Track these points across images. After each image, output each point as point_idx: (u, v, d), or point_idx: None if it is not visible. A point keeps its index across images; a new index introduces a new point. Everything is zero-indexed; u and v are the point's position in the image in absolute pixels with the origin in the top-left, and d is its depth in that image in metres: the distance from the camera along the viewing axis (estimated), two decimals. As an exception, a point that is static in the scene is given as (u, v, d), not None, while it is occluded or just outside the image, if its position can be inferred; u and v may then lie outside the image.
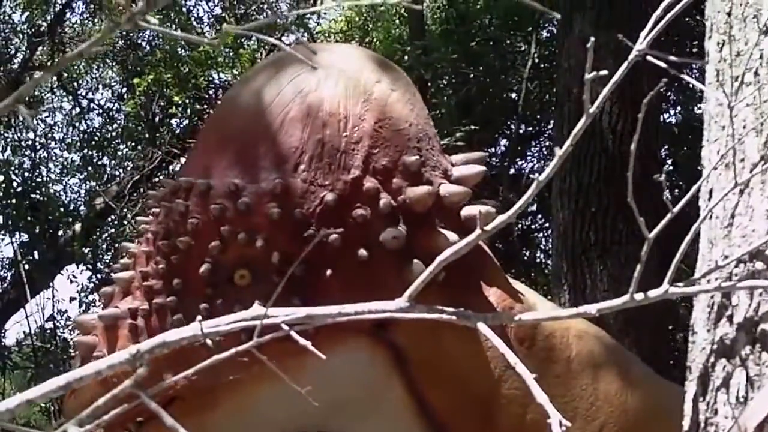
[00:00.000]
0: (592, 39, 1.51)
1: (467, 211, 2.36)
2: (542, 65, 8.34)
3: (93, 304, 8.96)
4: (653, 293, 1.64)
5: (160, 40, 9.13)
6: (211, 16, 10.32)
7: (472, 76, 8.00)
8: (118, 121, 10.03)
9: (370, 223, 2.24)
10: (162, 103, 9.27)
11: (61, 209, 8.81)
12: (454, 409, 2.35)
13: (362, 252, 2.22)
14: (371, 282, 2.14)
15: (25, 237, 8.68)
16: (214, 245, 2.23)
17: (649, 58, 1.59)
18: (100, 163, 9.81)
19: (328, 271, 2.19)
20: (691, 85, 7.86)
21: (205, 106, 9.16)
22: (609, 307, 1.67)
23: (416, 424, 2.36)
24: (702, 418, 1.71)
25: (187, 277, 2.26)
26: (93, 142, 9.63)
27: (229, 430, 2.28)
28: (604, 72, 1.53)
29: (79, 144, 9.78)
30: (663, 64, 1.60)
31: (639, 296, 1.63)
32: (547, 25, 8.32)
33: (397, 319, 2.24)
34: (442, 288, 2.06)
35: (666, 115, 7.65)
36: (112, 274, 2.48)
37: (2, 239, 8.95)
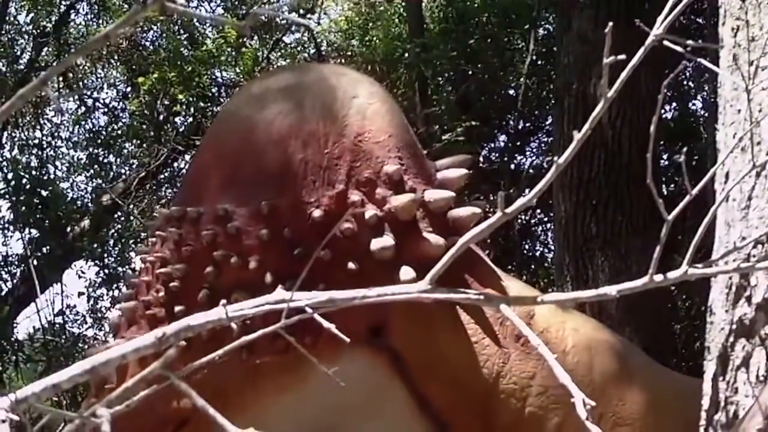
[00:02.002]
0: (610, 24, 1.53)
1: (454, 213, 2.39)
2: (540, 62, 8.34)
3: (100, 299, 9.04)
4: (672, 274, 1.66)
5: (164, 39, 9.13)
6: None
7: (471, 73, 8.02)
8: (123, 120, 10.04)
9: (358, 235, 2.29)
10: (166, 102, 9.27)
11: (69, 206, 8.83)
12: (454, 406, 2.38)
13: (351, 264, 2.27)
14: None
15: (34, 233, 8.71)
16: (210, 271, 2.28)
17: (664, 45, 1.62)
18: (106, 160, 9.83)
19: (320, 285, 2.22)
20: (686, 82, 7.90)
21: (209, 104, 9.17)
22: (629, 288, 1.68)
23: (419, 423, 2.39)
24: (722, 397, 1.73)
25: (187, 303, 2.29)
26: (99, 141, 9.66)
27: None
28: (622, 56, 1.56)
29: (85, 142, 9.82)
30: (680, 49, 1.62)
31: (658, 277, 1.65)
32: (544, 22, 8.33)
33: (391, 325, 2.27)
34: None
35: (662, 111, 7.68)
36: (117, 304, 2.53)
37: (12, 236, 8.98)
